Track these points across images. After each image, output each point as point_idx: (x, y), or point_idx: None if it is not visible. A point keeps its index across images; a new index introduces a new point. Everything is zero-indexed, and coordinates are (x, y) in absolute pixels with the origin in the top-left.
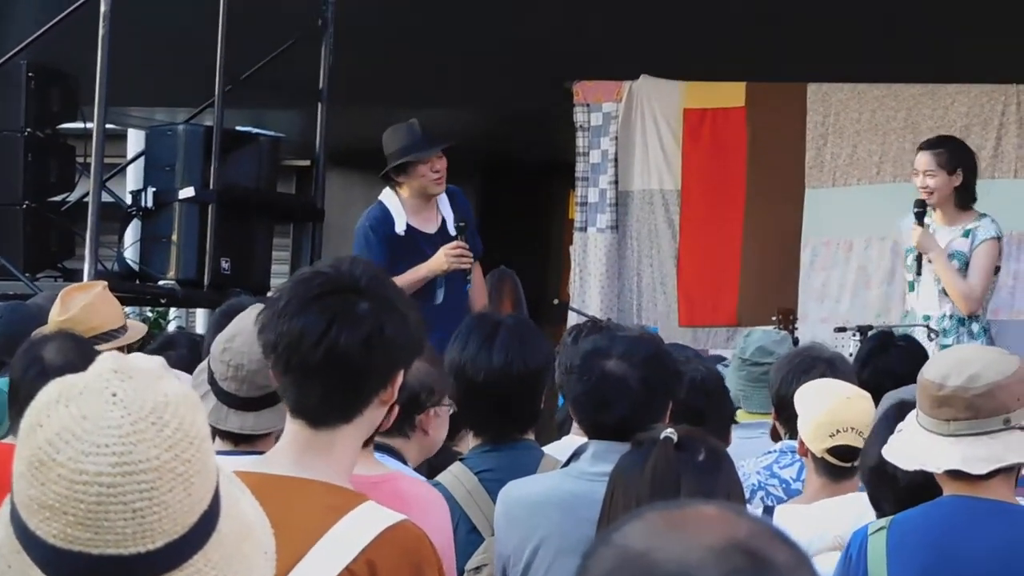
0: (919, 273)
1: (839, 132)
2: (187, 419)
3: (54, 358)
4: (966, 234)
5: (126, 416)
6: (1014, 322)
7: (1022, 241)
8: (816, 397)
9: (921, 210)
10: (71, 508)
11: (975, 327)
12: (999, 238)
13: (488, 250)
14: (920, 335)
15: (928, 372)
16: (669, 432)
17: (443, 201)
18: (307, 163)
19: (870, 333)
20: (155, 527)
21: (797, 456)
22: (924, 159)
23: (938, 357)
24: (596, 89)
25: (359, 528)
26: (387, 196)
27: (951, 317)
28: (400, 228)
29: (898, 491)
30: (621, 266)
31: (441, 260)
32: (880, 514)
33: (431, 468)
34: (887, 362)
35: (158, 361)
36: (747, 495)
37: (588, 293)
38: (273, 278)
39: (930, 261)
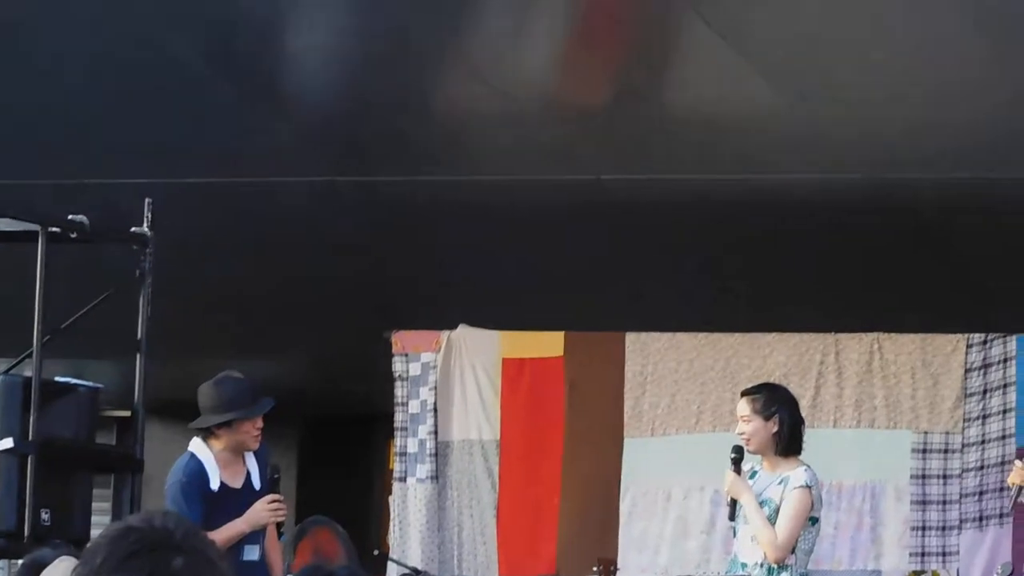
0: (731, 518)
1: (658, 381)
2: None
3: None
4: (781, 482)
5: None
6: (835, 572)
7: (842, 490)
8: None
9: (737, 456)
10: None
11: None
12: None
13: (308, 500)
14: None
15: None
16: None
17: (248, 454)
18: (127, 413)
19: None
20: None
21: None
22: (741, 404)
23: None
24: (415, 339)
25: None
26: (199, 448)
27: (762, 565)
28: (215, 484)
29: None
30: (441, 517)
31: (260, 513)
32: None
33: None
34: None
35: None
36: None
37: (408, 544)
38: (94, 529)
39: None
